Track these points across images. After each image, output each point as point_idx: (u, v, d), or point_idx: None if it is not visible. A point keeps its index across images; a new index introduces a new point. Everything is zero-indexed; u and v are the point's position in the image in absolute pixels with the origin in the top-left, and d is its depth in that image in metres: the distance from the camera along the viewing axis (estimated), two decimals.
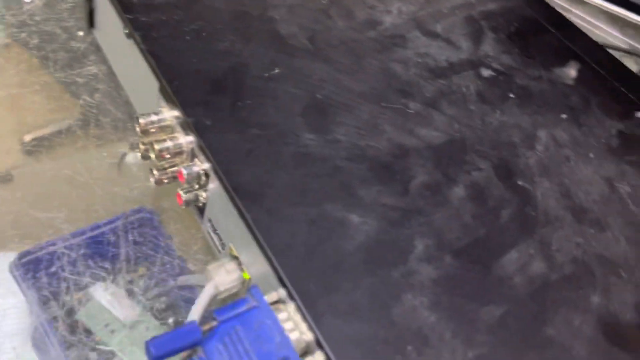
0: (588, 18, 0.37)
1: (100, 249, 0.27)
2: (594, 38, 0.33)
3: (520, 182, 0.23)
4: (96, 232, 0.27)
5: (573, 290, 0.20)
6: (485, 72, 0.28)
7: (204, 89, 0.22)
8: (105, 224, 0.27)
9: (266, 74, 0.24)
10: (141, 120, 0.22)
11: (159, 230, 0.28)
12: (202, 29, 0.25)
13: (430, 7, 0.31)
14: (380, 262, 0.19)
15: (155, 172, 0.23)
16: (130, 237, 0.27)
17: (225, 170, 0.20)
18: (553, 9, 0.34)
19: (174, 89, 0.22)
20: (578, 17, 0.37)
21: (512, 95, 0.27)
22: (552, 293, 0.20)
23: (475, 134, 0.24)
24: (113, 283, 0.27)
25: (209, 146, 0.20)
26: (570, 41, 0.31)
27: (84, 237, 0.26)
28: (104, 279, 0.27)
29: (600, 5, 0.37)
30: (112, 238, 0.27)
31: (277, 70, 0.24)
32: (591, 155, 0.25)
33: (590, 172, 0.24)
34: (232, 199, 0.19)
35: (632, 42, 0.36)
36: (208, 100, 0.22)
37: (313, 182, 0.20)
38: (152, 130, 0.22)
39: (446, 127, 0.24)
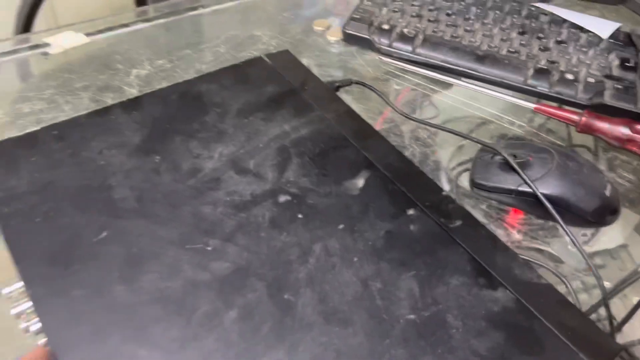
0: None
1: None
2: None
3: (286, 296, 0.30)
4: None
5: None
6: (282, 198, 0.35)
7: (44, 263, 0.31)
8: None
9: (94, 239, 0.32)
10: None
11: None
12: (50, 209, 0.33)
13: (249, 144, 0.39)
14: None
15: None
16: None
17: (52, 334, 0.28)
18: (362, 121, 0.42)
19: (20, 268, 0.30)
20: None
21: (300, 216, 0.34)
22: None
23: (259, 259, 0.32)
24: None
25: (39, 313, 0.28)
26: (368, 151, 0.39)
27: None
28: None
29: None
30: None
31: (104, 234, 0.32)
32: (355, 259, 0.32)
33: (350, 275, 0.32)
34: None
35: None
36: (45, 272, 0.30)
37: (114, 327, 0.28)
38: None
39: (236, 258, 0.32)
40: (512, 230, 0.43)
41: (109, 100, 0.48)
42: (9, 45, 0.56)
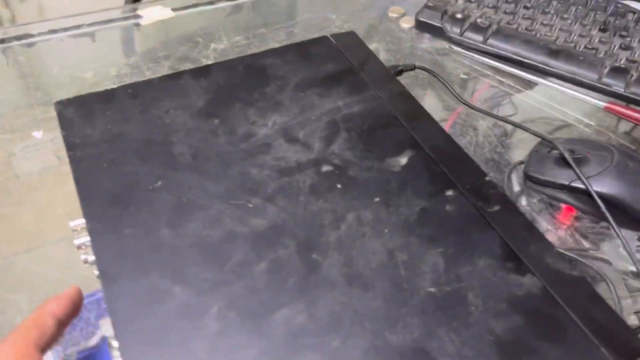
0: None
1: None
2: None
3: (314, 256, 0.32)
4: None
5: (321, 336, 0.29)
6: (325, 168, 0.37)
7: (104, 203, 0.34)
8: None
9: (151, 187, 0.35)
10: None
11: None
12: (116, 157, 0.37)
13: (301, 116, 0.41)
14: (184, 319, 0.29)
15: None
16: None
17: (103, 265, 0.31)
18: (415, 103, 0.42)
19: (83, 205, 0.34)
20: None
21: (339, 186, 0.36)
22: (304, 339, 0.29)
23: (294, 220, 0.34)
24: None
25: (94, 246, 0.32)
26: (416, 131, 0.40)
27: None
28: None
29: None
30: None
31: (159, 183, 0.36)
32: (386, 230, 0.33)
33: (378, 245, 0.33)
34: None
35: None
36: (103, 211, 0.34)
37: (155, 265, 0.31)
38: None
39: (273, 216, 0.34)
40: (562, 227, 0.42)
41: None
42: (108, 15, 0.61)
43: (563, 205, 0.43)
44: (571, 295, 0.31)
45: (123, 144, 0.38)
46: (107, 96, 0.41)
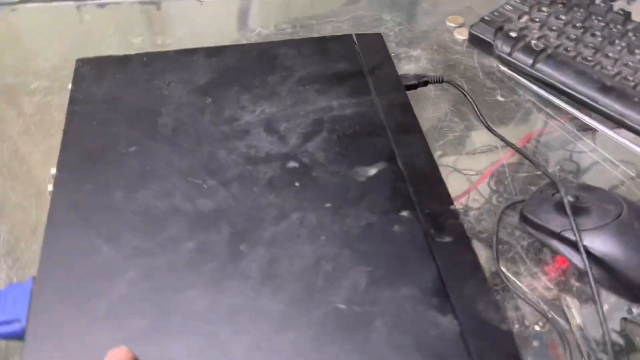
0: None
1: None
2: None
3: (241, 247, 0.32)
4: None
5: (213, 324, 0.29)
6: (291, 164, 0.37)
7: (80, 157, 0.37)
8: None
9: (124, 150, 0.37)
10: None
11: None
12: (107, 117, 0.39)
13: (291, 109, 0.41)
14: (98, 276, 0.31)
15: None
16: None
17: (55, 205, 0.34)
18: (412, 117, 0.40)
19: (61, 154, 0.37)
20: None
21: (297, 184, 0.36)
22: (195, 324, 0.29)
23: (239, 209, 0.34)
24: None
25: (53, 194, 0.35)
26: (399, 145, 0.38)
27: None
28: None
29: None
30: None
31: (133, 149, 0.37)
32: (322, 238, 0.33)
33: (308, 250, 0.32)
34: None
35: None
36: (77, 165, 0.36)
37: (98, 221, 0.33)
38: None
39: (221, 201, 0.35)
40: (545, 277, 0.38)
41: None
42: None
43: (558, 257, 0.39)
44: (486, 349, 0.28)
45: (117, 107, 0.40)
46: (122, 61, 0.44)
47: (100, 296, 0.30)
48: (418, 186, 0.35)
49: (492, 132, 0.46)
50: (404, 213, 0.34)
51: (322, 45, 0.46)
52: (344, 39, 0.47)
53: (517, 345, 0.29)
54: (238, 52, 0.45)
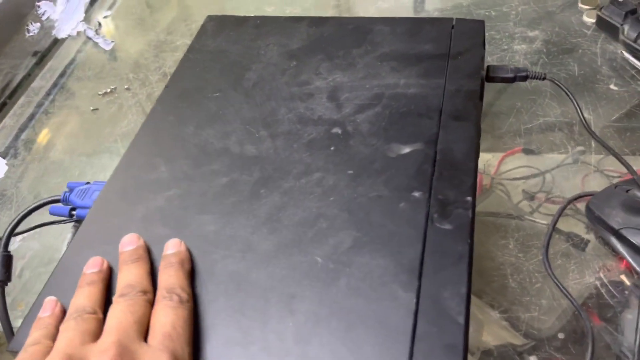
0: None
1: None
2: None
3: (262, 191, 0.36)
4: None
5: (209, 253, 0.34)
6: (334, 130, 0.39)
7: (175, 96, 0.44)
8: None
9: (209, 95, 0.44)
10: None
11: None
12: (208, 67, 0.46)
13: (359, 81, 0.43)
14: (148, 188, 0.38)
15: None
16: None
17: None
18: (475, 108, 0.39)
19: (164, 90, 0.45)
20: None
21: (332, 148, 0.38)
22: (203, 246, 0.34)
23: (274, 159, 0.38)
24: None
25: (146, 121, 0.43)
26: (446, 130, 0.38)
27: None
28: None
29: None
30: None
31: (217, 94, 0.44)
32: (331, 198, 0.35)
33: (314, 205, 0.35)
34: None
35: None
36: (171, 101, 0.44)
37: (164, 146, 0.40)
38: None
39: (264, 150, 0.39)
40: (600, 274, 0.35)
41: None
42: None
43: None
44: (432, 335, 0.28)
45: (219, 59, 0.47)
46: (240, 21, 0.51)
47: (143, 203, 0.37)
48: (444, 172, 0.35)
49: (592, 136, 0.43)
50: (416, 194, 0.35)
51: (418, 26, 0.47)
52: (444, 22, 0.47)
53: (466, 340, 0.28)
54: (337, 24, 0.48)
